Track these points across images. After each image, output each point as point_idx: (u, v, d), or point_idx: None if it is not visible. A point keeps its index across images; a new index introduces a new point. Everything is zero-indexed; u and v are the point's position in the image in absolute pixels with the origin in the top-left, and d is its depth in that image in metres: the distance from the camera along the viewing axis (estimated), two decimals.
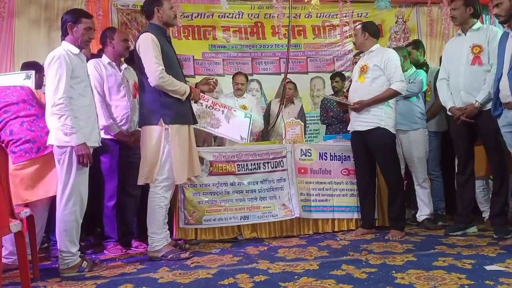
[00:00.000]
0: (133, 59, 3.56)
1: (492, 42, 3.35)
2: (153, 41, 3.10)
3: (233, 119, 4.17)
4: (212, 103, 4.15)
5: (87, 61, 3.18)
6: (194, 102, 3.42)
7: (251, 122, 4.28)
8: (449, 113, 3.55)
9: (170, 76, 3.11)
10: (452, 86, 3.51)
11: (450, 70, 3.54)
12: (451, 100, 3.49)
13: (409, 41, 6.62)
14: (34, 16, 5.69)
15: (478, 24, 3.47)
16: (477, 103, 3.32)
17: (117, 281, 2.63)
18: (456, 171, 3.65)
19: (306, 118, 6.01)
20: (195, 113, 3.50)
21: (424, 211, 3.95)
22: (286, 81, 5.30)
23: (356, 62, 4.32)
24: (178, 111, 3.18)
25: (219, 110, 4.15)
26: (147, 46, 3.09)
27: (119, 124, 3.50)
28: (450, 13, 3.60)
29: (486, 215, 3.96)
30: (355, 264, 2.75)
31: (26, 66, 3.86)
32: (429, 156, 4.09)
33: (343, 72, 5.99)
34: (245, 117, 4.28)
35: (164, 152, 3.11)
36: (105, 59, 3.55)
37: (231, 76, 5.37)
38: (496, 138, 3.32)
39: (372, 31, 3.78)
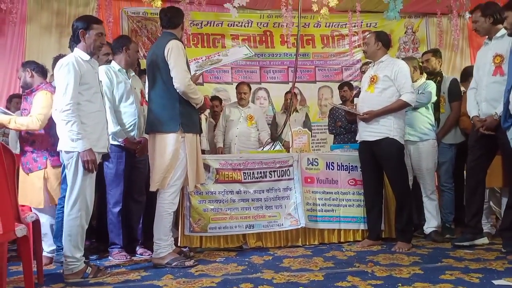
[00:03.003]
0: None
1: None
2: (183, 49, 3.21)
3: (230, 52, 4.16)
4: (206, 56, 4.20)
5: None
6: (201, 111, 3.47)
7: (247, 47, 4.21)
8: (472, 121, 3.50)
9: (195, 85, 3.24)
10: (477, 96, 3.45)
11: (477, 80, 3.47)
12: (476, 109, 3.43)
13: (418, 51, 6.64)
14: (46, 22, 5.78)
15: (502, 31, 3.31)
16: (496, 115, 3.22)
17: None
18: (466, 181, 3.59)
19: (314, 127, 6.02)
20: (194, 71, 3.57)
21: (431, 223, 3.91)
22: (289, 91, 5.32)
23: (364, 72, 4.32)
24: (193, 120, 3.28)
25: (215, 55, 4.18)
26: (178, 53, 3.16)
27: (127, 130, 3.51)
28: (472, 27, 3.56)
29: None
30: (360, 276, 2.72)
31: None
32: (443, 168, 4.07)
33: (351, 82, 5.98)
34: (240, 47, 4.27)
35: (179, 159, 3.16)
36: (115, 65, 3.57)
37: None
38: None
39: (385, 41, 3.77)
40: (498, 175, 3.68)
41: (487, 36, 3.46)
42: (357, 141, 3.91)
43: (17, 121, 3.24)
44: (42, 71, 3.51)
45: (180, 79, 3.13)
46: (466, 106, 3.62)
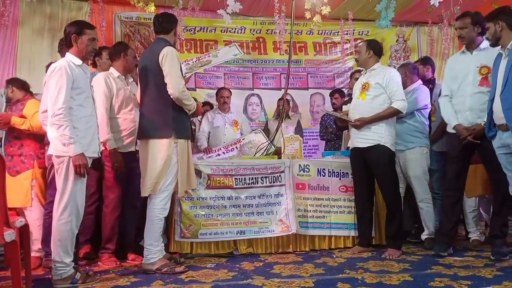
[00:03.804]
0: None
1: None
2: (177, 55, 3.22)
3: (221, 53, 4.17)
4: (196, 58, 4.20)
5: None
6: (193, 117, 3.48)
7: (237, 46, 4.23)
8: (450, 130, 3.48)
9: (188, 91, 3.25)
10: (457, 105, 3.44)
11: (454, 89, 3.47)
12: (456, 118, 3.42)
13: (409, 59, 6.71)
14: (38, 26, 5.74)
15: (485, 43, 3.36)
16: (484, 124, 3.23)
17: None
18: (446, 190, 3.57)
19: (305, 134, 6.03)
20: (184, 73, 3.58)
21: (424, 231, 3.90)
22: (281, 98, 5.35)
23: (357, 78, 4.33)
24: (185, 126, 3.28)
25: (205, 56, 4.20)
26: (173, 59, 3.16)
27: (125, 136, 3.49)
28: (457, 32, 3.51)
29: (472, 235, 3.98)
30: (351, 282, 2.72)
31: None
32: (435, 175, 4.07)
33: (343, 89, 6.01)
34: (230, 47, 4.27)
35: (171, 165, 3.15)
36: (114, 72, 3.56)
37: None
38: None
39: (377, 49, 3.79)
40: (478, 184, 3.73)
41: (464, 45, 3.50)
42: (349, 147, 3.92)
43: (32, 124, 3.41)
44: (23, 86, 3.70)
45: (174, 86, 3.13)
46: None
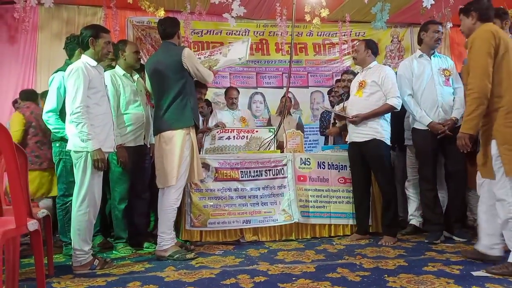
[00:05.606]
0: (142, 70, 3.61)
1: (453, 69, 3.62)
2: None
3: (231, 51, 4.01)
4: (210, 52, 4.12)
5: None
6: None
7: (248, 44, 4.01)
8: (420, 127, 3.52)
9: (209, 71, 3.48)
10: (425, 102, 3.51)
11: (418, 88, 3.55)
12: (426, 115, 3.49)
13: (403, 59, 6.65)
14: (56, 30, 5.75)
15: (436, 53, 3.66)
16: (456, 119, 3.43)
17: (126, 279, 2.62)
18: (425, 185, 3.57)
19: (306, 129, 6.02)
20: None
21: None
22: (283, 96, 5.30)
23: (345, 80, 4.33)
24: (197, 115, 3.36)
25: (216, 53, 4.06)
26: (194, 57, 3.35)
27: (134, 130, 3.49)
28: (438, 35, 3.58)
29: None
30: (349, 267, 2.73)
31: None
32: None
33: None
34: (243, 42, 4.06)
35: (183, 158, 3.17)
36: (119, 70, 3.55)
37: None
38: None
39: (374, 48, 3.79)
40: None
41: (420, 50, 3.65)
42: (347, 142, 3.92)
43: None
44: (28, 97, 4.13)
45: (208, 76, 3.37)
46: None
